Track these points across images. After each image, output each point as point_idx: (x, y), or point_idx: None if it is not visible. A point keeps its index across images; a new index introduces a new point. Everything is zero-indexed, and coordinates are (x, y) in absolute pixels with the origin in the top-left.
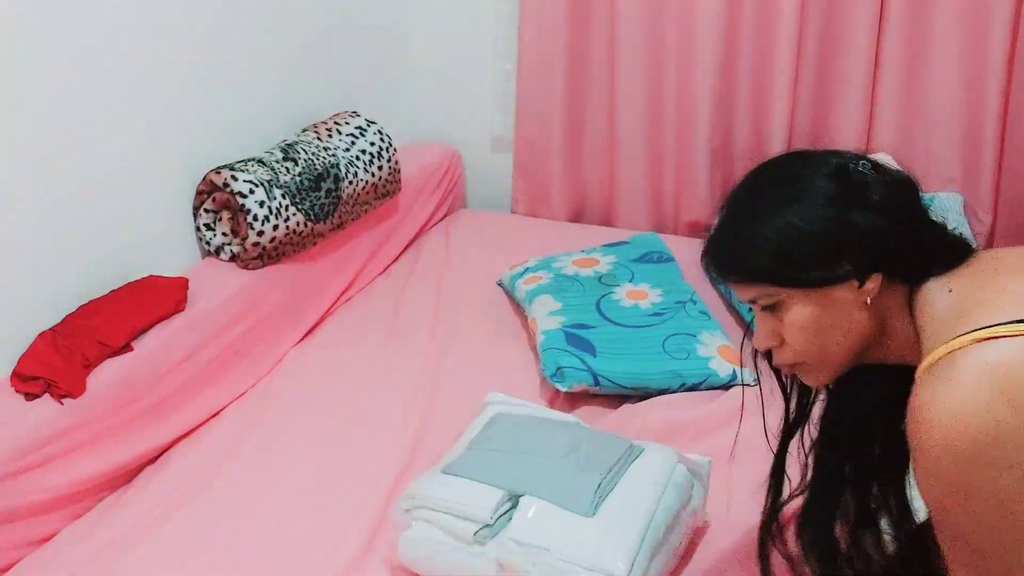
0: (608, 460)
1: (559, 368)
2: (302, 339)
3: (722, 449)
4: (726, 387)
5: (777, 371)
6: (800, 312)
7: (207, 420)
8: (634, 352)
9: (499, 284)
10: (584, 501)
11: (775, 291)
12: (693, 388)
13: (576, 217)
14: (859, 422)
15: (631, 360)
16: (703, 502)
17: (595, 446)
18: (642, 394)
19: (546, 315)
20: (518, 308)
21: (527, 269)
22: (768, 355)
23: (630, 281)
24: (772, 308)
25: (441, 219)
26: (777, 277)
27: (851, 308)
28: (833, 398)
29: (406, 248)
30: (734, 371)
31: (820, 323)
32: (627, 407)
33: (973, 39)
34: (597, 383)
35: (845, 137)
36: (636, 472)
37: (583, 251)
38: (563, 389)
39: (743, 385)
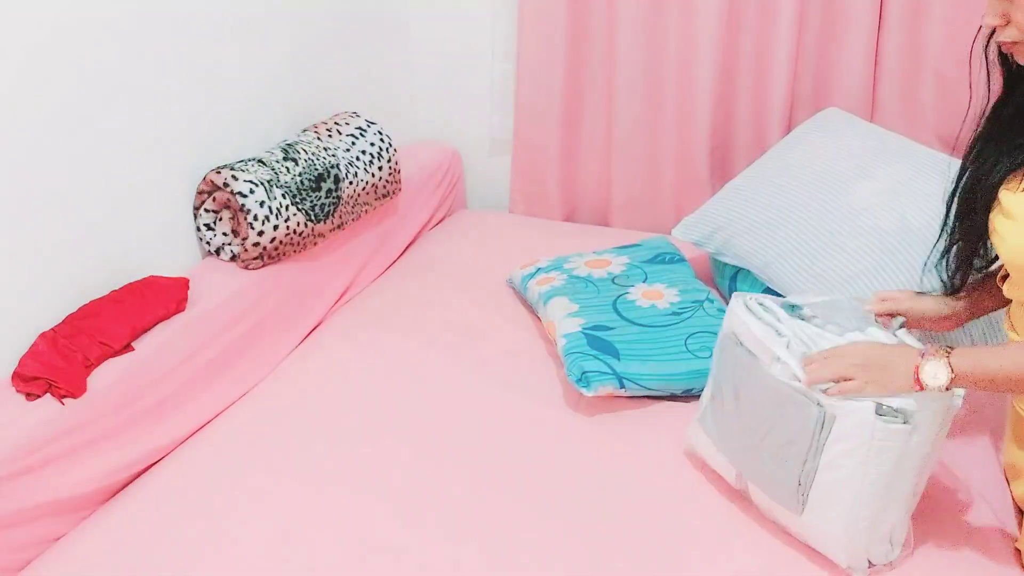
0: (801, 445)
1: (584, 373)
2: (303, 339)
3: None
4: None
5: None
6: None
7: (209, 421)
8: (657, 352)
9: (509, 283)
10: (791, 498)
11: None
12: None
13: (574, 217)
14: None
15: (655, 361)
16: (933, 430)
17: (787, 423)
18: (666, 394)
19: (564, 317)
20: (528, 307)
21: (539, 269)
22: (991, 36)
23: (644, 281)
24: None
25: (441, 219)
26: None
27: None
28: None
29: (407, 248)
30: None
31: None
32: (654, 408)
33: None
34: (623, 386)
35: None
36: (833, 452)
37: (595, 252)
38: (588, 394)
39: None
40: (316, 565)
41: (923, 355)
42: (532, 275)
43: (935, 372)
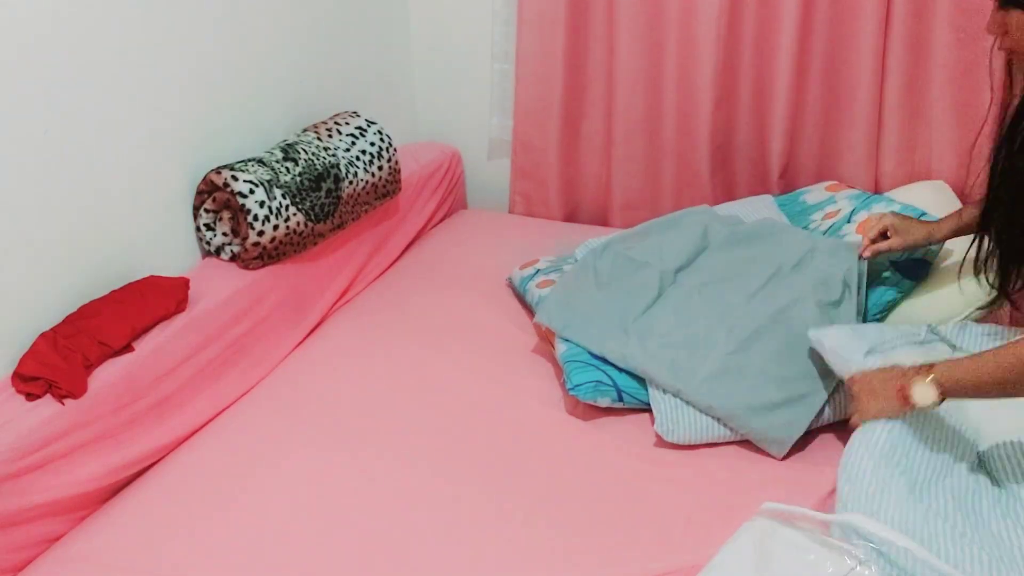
0: None
1: (583, 383)
2: (303, 339)
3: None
4: None
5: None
6: (1018, 18)
7: (209, 420)
8: None
9: (509, 282)
10: None
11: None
12: None
13: (574, 218)
14: None
15: None
16: None
17: None
18: None
19: None
20: (527, 307)
21: (538, 271)
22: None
23: None
24: (1007, 8)
25: (441, 219)
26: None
27: None
28: None
29: (407, 248)
30: None
31: None
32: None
33: (974, 36)
34: (621, 399)
35: (848, 136)
36: None
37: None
38: (584, 400)
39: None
40: (316, 563)
41: (905, 375)
42: (531, 277)
43: (923, 393)
